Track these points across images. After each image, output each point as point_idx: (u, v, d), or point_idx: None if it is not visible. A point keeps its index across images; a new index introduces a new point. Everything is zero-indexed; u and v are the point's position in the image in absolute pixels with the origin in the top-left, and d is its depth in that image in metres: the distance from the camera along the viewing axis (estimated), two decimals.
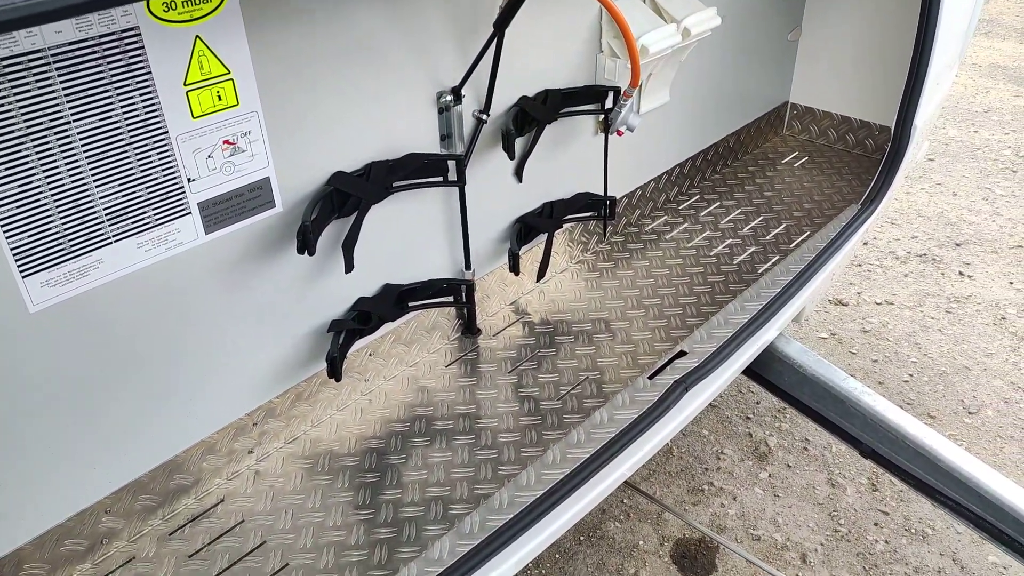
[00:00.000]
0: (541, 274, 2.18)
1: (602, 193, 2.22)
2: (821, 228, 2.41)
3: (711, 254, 2.34)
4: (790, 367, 2.16)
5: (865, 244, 3.82)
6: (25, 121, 1.20)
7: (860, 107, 2.82)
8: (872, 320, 3.35)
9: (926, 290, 3.52)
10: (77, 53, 1.21)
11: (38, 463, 1.39)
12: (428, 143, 1.80)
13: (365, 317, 1.79)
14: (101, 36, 1.22)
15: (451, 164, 1.81)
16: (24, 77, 1.17)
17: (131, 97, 1.29)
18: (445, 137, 1.83)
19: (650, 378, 1.85)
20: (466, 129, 1.85)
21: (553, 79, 2.01)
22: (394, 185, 1.72)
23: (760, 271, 2.25)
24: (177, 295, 1.47)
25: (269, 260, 1.59)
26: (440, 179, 1.80)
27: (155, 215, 1.39)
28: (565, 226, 2.21)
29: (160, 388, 1.51)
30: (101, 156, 1.29)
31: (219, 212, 1.48)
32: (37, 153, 1.22)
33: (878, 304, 3.45)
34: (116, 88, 1.27)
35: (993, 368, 3.08)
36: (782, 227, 2.45)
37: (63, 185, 1.27)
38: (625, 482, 2.09)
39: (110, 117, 1.28)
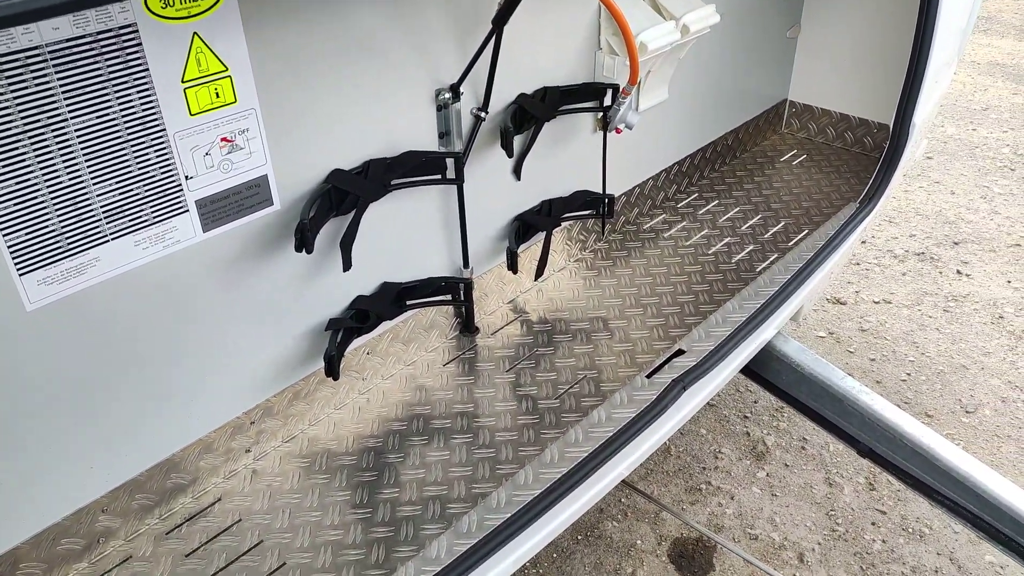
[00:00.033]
0: (539, 272, 2.17)
1: (600, 191, 2.22)
2: (819, 226, 2.41)
3: (709, 252, 2.34)
4: (788, 366, 2.16)
5: (863, 243, 3.82)
6: (22, 118, 1.19)
7: (859, 105, 2.82)
8: (870, 319, 3.36)
9: (924, 289, 3.52)
10: (74, 50, 1.20)
11: (34, 462, 1.38)
12: (426, 141, 1.80)
13: (363, 315, 1.79)
14: (98, 33, 1.21)
15: (449, 162, 1.80)
16: (21, 74, 1.17)
17: (128, 94, 1.28)
18: (443, 135, 1.83)
19: (648, 377, 1.85)
20: (464, 127, 1.84)
21: (552, 76, 2.01)
22: (392, 183, 1.71)
23: (758, 270, 2.25)
24: (174, 293, 1.47)
25: (267, 258, 1.59)
26: (438, 177, 1.80)
27: (152, 213, 1.39)
28: (563, 224, 2.21)
29: (157, 387, 1.51)
30: (98, 153, 1.28)
31: (217, 210, 1.47)
32: (34, 150, 1.22)
33: (876, 303, 3.45)
34: (113, 85, 1.26)
35: (991, 367, 3.08)
36: (780, 225, 2.45)
37: (60, 182, 1.26)
38: (623, 481, 2.09)
39: (107, 114, 1.27)
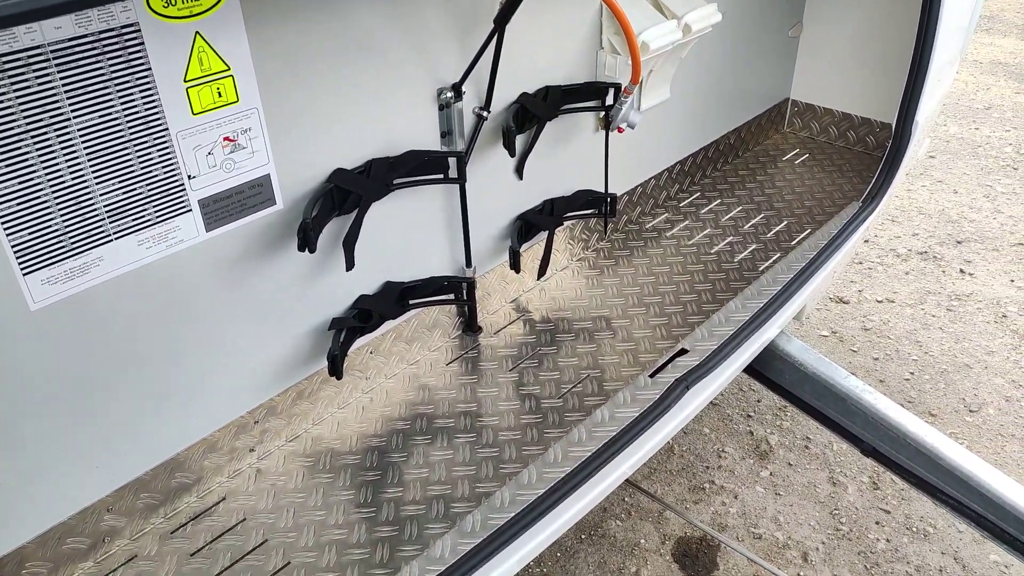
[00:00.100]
0: (542, 272, 2.17)
1: (603, 190, 2.22)
2: (822, 225, 2.41)
3: (712, 251, 2.34)
4: (791, 365, 2.16)
5: (866, 242, 3.82)
6: (25, 118, 1.19)
7: (861, 104, 2.82)
8: (873, 318, 3.35)
9: (927, 288, 3.51)
10: (77, 49, 1.20)
11: (40, 462, 1.38)
12: (428, 140, 1.80)
13: (366, 315, 1.79)
14: (101, 32, 1.22)
15: (452, 161, 1.80)
16: (24, 73, 1.17)
17: (131, 94, 1.28)
18: (445, 134, 1.83)
19: (651, 376, 1.85)
20: (466, 126, 1.84)
21: (554, 76, 2.01)
22: (394, 182, 1.71)
23: (761, 269, 2.25)
24: (177, 292, 1.47)
25: (270, 258, 1.59)
26: (441, 176, 1.80)
27: (156, 212, 1.39)
28: (566, 223, 2.21)
29: (161, 386, 1.51)
30: (101, 153, 1.29)
31: (220, 209, 1.47)
32: (37, 150, 1.22)
33: (879, 302, 3.44)
34: (116, 85, 1.26)
35: (994, 366, 3.08)
36: (783, 224, 2.45)
37: (63, 182, 1.26)
38: (626, 480, 2.09)
39: (110, 114, 1.27)
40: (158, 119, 1.33)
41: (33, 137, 1.21)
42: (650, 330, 2.04)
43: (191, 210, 1.43)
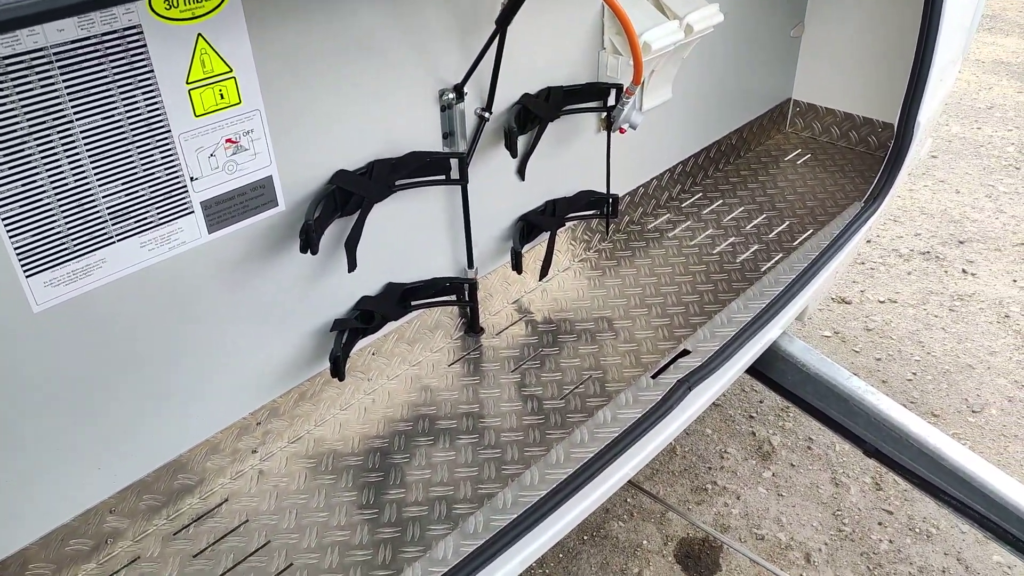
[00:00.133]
0: (544, 272, 2.17)
1: (605, 191, 2.22)
2: (824, 226, 2.41)
3: (714, 252, 2.34)
4: (793, 366, 2.16)
5: (868, 242, 3.82)
6: (28, 120, 1.19)
7: (863, 104, 2.82)
8: (875, 318, 3.35)
9: (929, 288, 3.51)
10: (79, 51, 1.21)
11: (42, 463, 1.39)
12: (430, 141, 1.80)
13: (368, 316, 1.79)
14: (103, 34, 1.22)
15: (453, 162, 1.80)
16: (27, 76, 1.17)
17: (133, 96, 1.29)
18: (447, 135, 1.83)
19: (653, 377, 1.85)
20: (468, 127, 1.84)
21: (555, 76, 2.01)
22: (396, 183, 1.71)
23: (763, 269, 2.25)
24: (180, 294, 1.47)
25: (272, 259, 1.59)
26: (442, 177, 1.80)
27: (158, 214, 1.39)
28: (568, 224, 2.21)
29: (163, 388, 1.51)
30: (104, 155, 1.29)
31: (222, 211, 1.47)
32: (40, 152, 1.22)
33: (881, 302, 3.44)
34: (118, 87, 1.26)
35: (997, 366, 3.07)
36: (785, 225, 2.45)
37: (66, 184, 1.26)
38: (629, 481, 2.09)
39: (112, 116, 1.27)
40: (160, 121, 1.33)
41: (36, 139, 1.21)
42: (652, 331, 2.04)
43: (193, 212, 1.43)
